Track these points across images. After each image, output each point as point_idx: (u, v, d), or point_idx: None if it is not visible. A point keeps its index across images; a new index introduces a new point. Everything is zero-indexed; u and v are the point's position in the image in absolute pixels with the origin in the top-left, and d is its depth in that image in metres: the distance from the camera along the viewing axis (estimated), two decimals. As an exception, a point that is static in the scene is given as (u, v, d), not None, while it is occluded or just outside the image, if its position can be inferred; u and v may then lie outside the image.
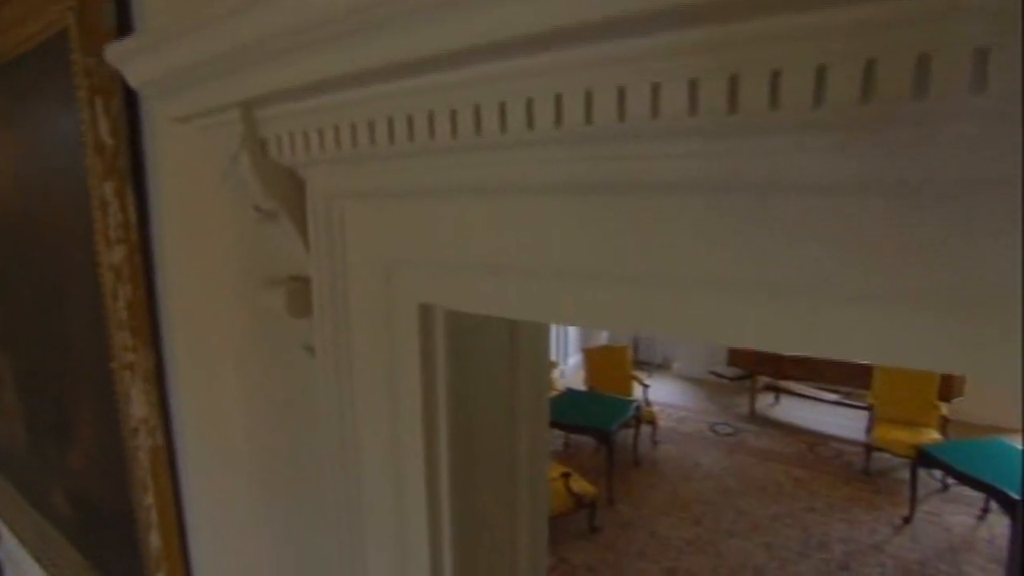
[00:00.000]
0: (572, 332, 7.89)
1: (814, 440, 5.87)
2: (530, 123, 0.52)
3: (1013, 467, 3.94)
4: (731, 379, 6.79)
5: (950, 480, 4.89)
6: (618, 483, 4.95)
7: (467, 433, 1.04)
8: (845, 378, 5.83)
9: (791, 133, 0.41)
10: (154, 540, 1.35)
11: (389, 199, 0.79)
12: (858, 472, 5.19)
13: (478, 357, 1.02)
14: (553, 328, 7.58)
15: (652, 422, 5.62)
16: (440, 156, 0.66)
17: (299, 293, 0.91)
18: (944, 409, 5.06)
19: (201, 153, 1.09)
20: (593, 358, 6.18)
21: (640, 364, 7.09)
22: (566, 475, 4.09)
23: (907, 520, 4.41)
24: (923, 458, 4.31)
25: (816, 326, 0.45)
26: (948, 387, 5.23)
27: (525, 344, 1.14)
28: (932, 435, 4.83)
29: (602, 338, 8.16)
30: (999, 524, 4.36)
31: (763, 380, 6.62)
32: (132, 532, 1.40)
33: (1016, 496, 3.61)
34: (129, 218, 1.26)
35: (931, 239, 0.39)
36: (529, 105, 0.52)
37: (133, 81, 0.82)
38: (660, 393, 6.99)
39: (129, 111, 1.21)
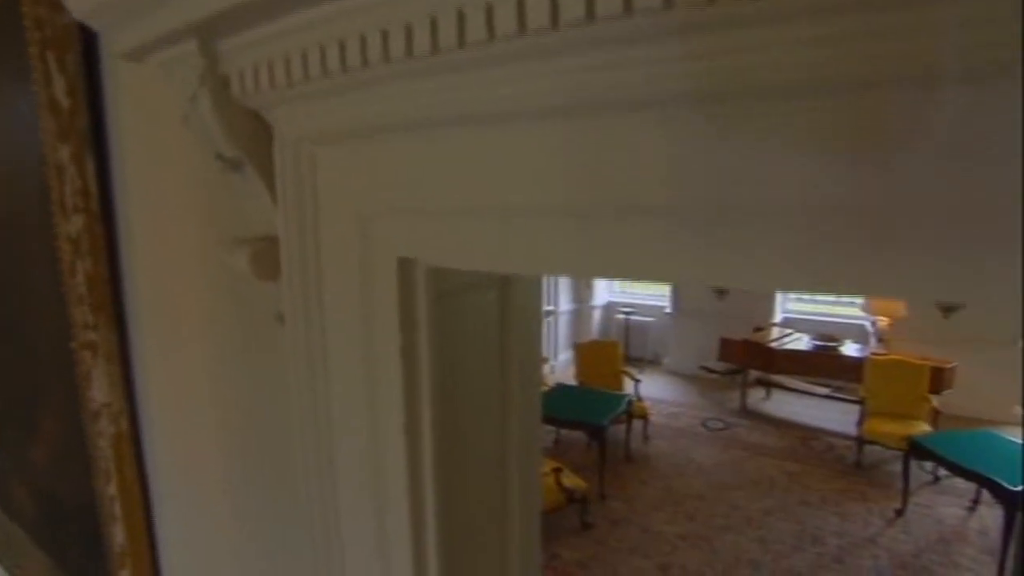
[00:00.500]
0: (563, 328, 7.83)
1: (806, 434, 5.85)
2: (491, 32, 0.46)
3: (1004, 457, 3.93)
4: (722, 374, 6.76)
5: (941, 472, 4.90)
6: (610, 478, 4.88)
7: (452, 410, 0.96)
8: (836, 372, 5.82)
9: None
10: (118, 535, 1.26)
11: (362, 142, 0.72)
12: (850, 465, 5.18)
13: (465, 324, 0.94)
14: (544, 323, 7.54)
15: (644, 417, 5.56)
16: (419, 79, 0.58)
17: (266, 253, 0.83)
18: (935, 402, 5.06)
19: (166, 109, 1.00)
20: (584, 353, 6.12)
21: (631, 360, 7.05)
22: (557, 470, 4.02)
23: (899, 512, 4.40)
24: (915, 449, 4.30)
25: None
26: (938, 380, 5.23)
27: (516, 315, 1.06)
28: (923, 427, 4.82)
29: (593, 333, 8.12)
30: (990, 515, 4.36)
31: (754, 375, 6.60)
32: (95, 527, 1.30)
33: (1009, 486, 3.60)
34: (88, 185, 1.17)
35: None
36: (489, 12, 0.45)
37: (76, 10, 0.74)
38: (651, 389, 6.94)
39: (88, 68, 1.12)
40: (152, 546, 1.31)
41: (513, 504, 1.26)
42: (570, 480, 4.12)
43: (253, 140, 0.80)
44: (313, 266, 0.80)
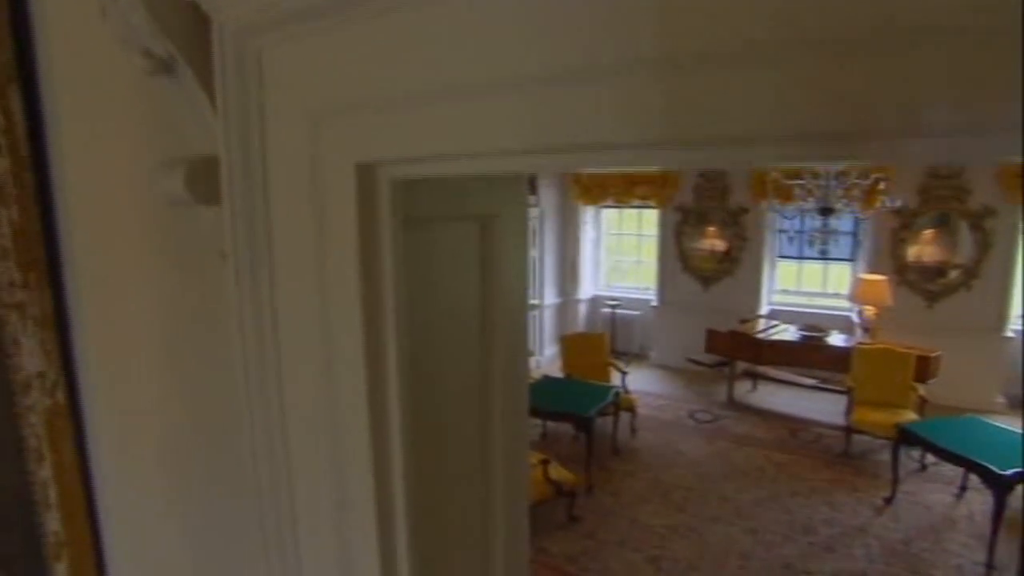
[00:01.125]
0: (548, 322, 7.73)
1: (794, 425, 5.82)
2: None
3: (992, 443, 3.92)
4: (709, 366, 6.71)
5: (928, 460, 4.90)
6: (597, 471, 4.79)
7: (425, 368, 0.84)
8: (823, 362, 5.80)
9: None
10: (52, 522, 1.12)
11: (314, 29, 0.60)
12: (838, 455, 5.15)
13: (440, 262, 0.83)
14: (529, 316, 7.34)
15: (631, 409, 5.48)
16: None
17: (204, 171, 0.71)
18: (921, 390, 5.06)
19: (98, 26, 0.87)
20: (570, 345, 6.03)
21: (617, 354, 6.96)
22: (544, 462, 3.92)
23: (888, 501, 4.37)
24: (904, 436, 4.28)
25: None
26: (924, 368, 5.23)
27: (499, 258, 0.95)
28: (910, 416, 4.81)
29: (579, 326, 8.04)
30: (977, 501, 4.36)
31: (741, 367, 6.57)
32: (27, 515, 1.16)
33: (998, 471, 3.58)
34: (14, 125, 1.03)
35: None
36: None
37: None
38: (638, 382, 6.86)
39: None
40: (95, 535, 1.17)
41: (497, 477, 1.14)
42: (557, 473, 4.02)
43: (187, 34, 0.67)
44: (258, 183, 0.68)
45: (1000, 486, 3.57)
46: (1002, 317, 6.01)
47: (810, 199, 3.95)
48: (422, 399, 0.82)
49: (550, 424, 5.77)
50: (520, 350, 1.14)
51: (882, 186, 3.87)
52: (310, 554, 0.75)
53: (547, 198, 7.70)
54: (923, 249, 6.19)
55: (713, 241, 7.25)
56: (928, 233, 6.18)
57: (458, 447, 0.94)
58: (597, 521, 4.16)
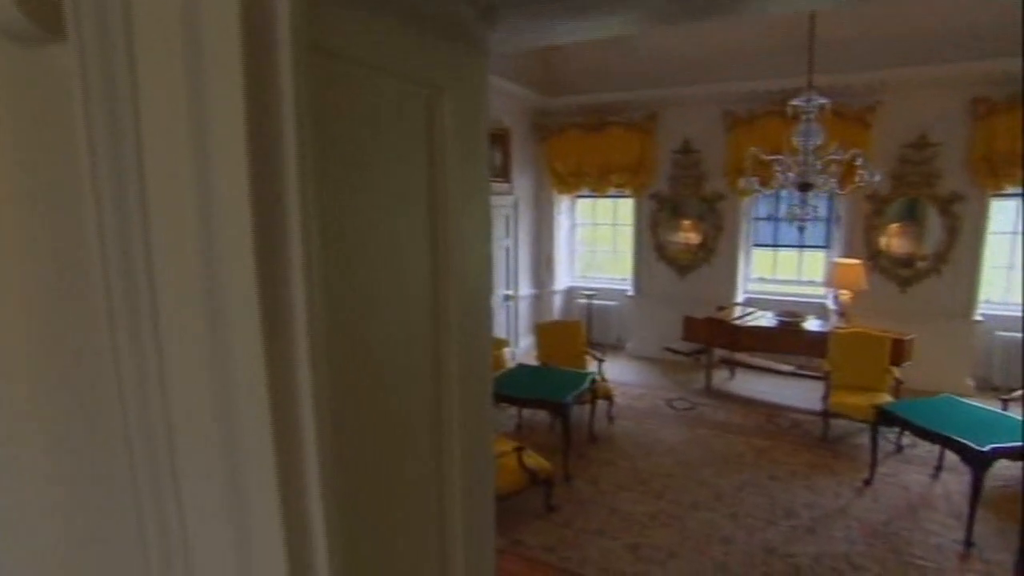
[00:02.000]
0: (523, 313, 7.59)
1: (772, 412, 5.78)
2: None
3: (968, 421, 3.91)
4: (686, 354, 6.64)
5: (904, 442, 4.89)
6: (575, 460, 4.66)
7: (344, 260, 0.68)
8: (800, 347, 5.77)
9: None
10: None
11: None
12: (817, 440, 5.11)
13: (369, 134, 0.66)
14: (503, 306, 7.27)
15: (608, 397, 5.37)
16: None
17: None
18: (897, 373, 5.05)
19: None
20: (545, 333, 5.89)
21: (593, 345, 6.84)
22: (519, 449, 3.76)
23: (868, 482, 4.33)
24: (882, 417, 4.24)
25: None
26: (899, 352, 5.23)
27: (457, 131, 0.79)
28: (886, 399, 4.79)
29: (554, 318, 7.90)
30: (952, 481, 4.35)
31: (718, 355, 6.51)
32: None
33: (977, 447, 3.55)
34: None
35: None
36: None
37: None
38: (615, 372, 6.76)
39: None
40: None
41: (453, 447, 0.98)
42: (533, 460, 3.87)
43: None
44: (116, 11, 0.50)
45: (978, 462, 3.54)
46: (970, 302, 6.07)
47: (789, 174, 3.88)
48: (345, 328, 0.65)
49: (526, 414, 5.63)
50: (482, 288, 0.98)
51: (859, 162, 3.81)
52: (194, 507, 0.57)
53: (521, 186, 7.55)
54: (891, 241, 6.24)
55: (688, 234, 7.20)
56: (895, 227, 6.22)
57: (385, 355, 0.77)
58: (575, 510, 4.03)
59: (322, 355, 0.55)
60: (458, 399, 0.95)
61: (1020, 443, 3.64)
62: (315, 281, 0.53)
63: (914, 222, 6.18)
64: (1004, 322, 6.07)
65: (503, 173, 7.15)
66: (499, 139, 7.02)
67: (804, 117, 3.80)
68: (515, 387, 4.67)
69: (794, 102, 3.85)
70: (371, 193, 0.67)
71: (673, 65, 6.88)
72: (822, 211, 6.85)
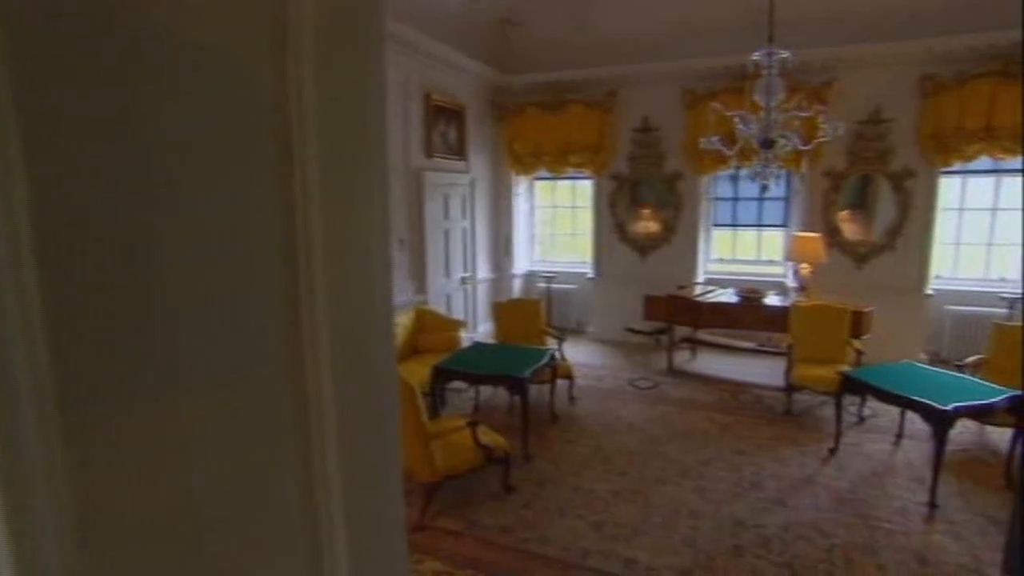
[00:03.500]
0: (481, 297, 7.31)
1: (735, 388, 5.68)
2: None
3: (928, 383, 3.86)
4: (648, 334, 6.50)
5: (865, 412, 4.86)
6: (535, 440, 4.42)
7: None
8: (761, 323, 5.69)
9: None
10: None
11: None
12: (780, 414, 5.02)
13: None
14: (460, 289, 6.96)
15: (569, 376, 5.15)
16: None
17: None
18: (857, 345, 5.01)
19: None
20: (502, 312, 5.64)
21: (554, 330, 6.63)
22: (473, 424, 3.49)
23: (832, 452, 4.25)
24: (846, 383, 4.16)
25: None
26: (859, 324, 5.20)
27: None
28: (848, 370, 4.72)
29: (515, 292, 7.67)
30: (913, 448, 4.34)
31: (679, 335, 6.40)
32: None
33: (939, 406, 3.48)
34: None
35: None
36: None
37: None
38: (576, 355, 6.57)
39: None
40: None
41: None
42: (488, 437, 3.60)
43: None
44: None
45: (941, 421, 3.48)
46: (922, 276, 6.13)
47: (751, 125, 3.76)
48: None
49: (484, 395, 5.36)
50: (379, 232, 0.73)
51: (821, 119, 3.72)
52: None
53: (478, 166, 7.28)
54: (843, 226, 6.29)
55: (648, 214, 7.09)
56: (844, 213, 6.26)
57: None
58: (535, 490, 3.78)
59: None
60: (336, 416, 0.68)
61: (979, 402, 3.60)
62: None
63: (863, 210, 6.23)
64: (953, 297, 6.16)
65: (459, 151, 6.86)
66: (455, 116, 6.74)
67: (765, 72, 3.68)
68: (469, 364, 4.40)
69: (754, 56, 3.71)
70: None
71: (632, 42, 6.76)
72: (779, 192, 6.86)
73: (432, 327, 5.69)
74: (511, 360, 4.42)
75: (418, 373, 4.70)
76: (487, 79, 7.26)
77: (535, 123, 7.30)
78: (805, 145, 4.00)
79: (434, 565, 3.04)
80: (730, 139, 4.27)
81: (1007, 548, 2.64)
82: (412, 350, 5.51)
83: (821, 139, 3.85)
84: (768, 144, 3.85)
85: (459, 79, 6.79)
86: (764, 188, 4.13)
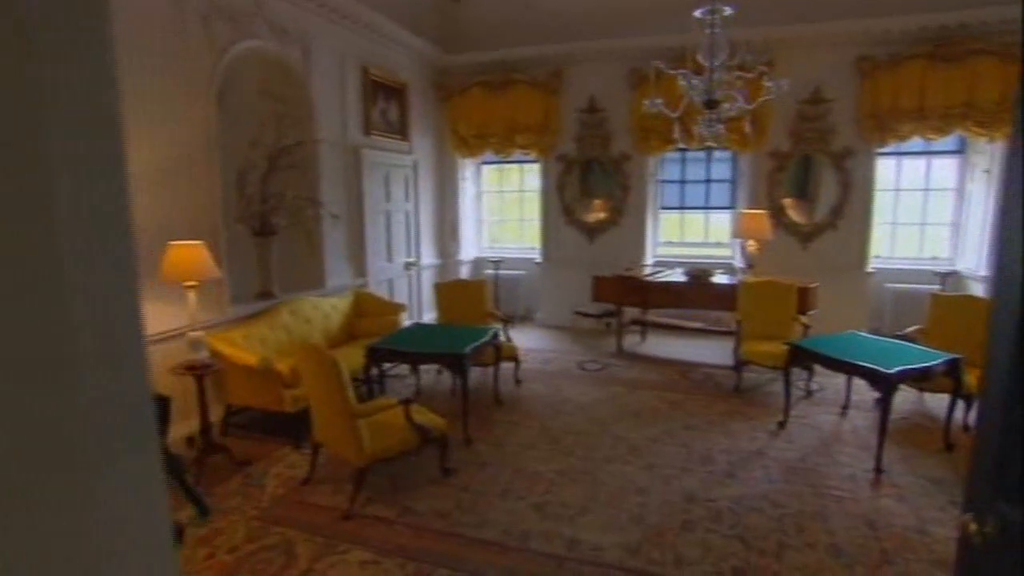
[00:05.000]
0: (427, 284, 7.00)
1: (684, 368, 5.58)
2: None
3: (872, 350, 3.83)
4: (597, 316, 6.36)
5: (813, 387, 4.83)
6: (478, 424, 4.17)
7: None
8: (710, 301, 5.62)
9: None
10: None
11: None
12: (730, 391, 4.94)
13: None
14: (404, 274, 6.59)
15: (514, 358, 4.92)
16: None
17: None
18: (804, 320, 4.99)
19: None
20: (445, 294, 5.36)
21: (507, 323, 6.40)
22: (406, 402, 3.20)
23: (782, 425, 4.18)
24: (794, 353, 4.08)
25: None
26: (805, 299, 5.19)
27: None
28: (794, 344, 4.69)
29: (462, 271, 7.41)
30: (859, 417, 4.33)
31: (629, 317, 6.27)
32: None
33: (884, 370, 3.43)
34: None
35: None
36: None
37: None
38: (524, 340, 6.36)
39: None
40: None
41: None
42: (423, 417, 3.32)
43: None
44: None
45: (886, 384, 3.44)
46: (863, 255, 6.22)
47: (693, 82, 3.63)
48: None
49: (425, 380, 5.06)
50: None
51: (766, 80, 3.64)
52: None
53: (421, 148, 6.98)
54: (789, 211, 6.34)
55: (596, 198, 6.95)
56: (789, 201, 6.31)
57: None
58: (475, 473, 3.52)
59: None
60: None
61: (920, 365, 3.58)
62: None
63: (806, 199, 6.29)
64: (892, 275, 6.28)
65: (400, 131, 6.55)
66: (395, 93, 6.43)
67: (708, 31, 3.56)
68: (406, 343, 4.10)
69: (696, 14, 3.59)
70: None
71: (579, 20, 6.62)
72: (725, 173, 6.85)
73: (371, 311, 5.37)
74: (451, 338, 4.15)
75: (353, 357, 4.38)
76: (430, 58, 6.98)
77: (480, 104, 7.06)
78: (749, 104, 3.90)
79: (360, 555, 2.74)
80: (675, 106, 4.14)
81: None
82: (349, 335, 5.17)
83: (767, 97, 3.77)
84: (712, 105, 3.74)
85: (400, 55, 6.48)
86: (710, 152, 4.01)
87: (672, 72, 3.78)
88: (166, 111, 3.78)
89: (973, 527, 1.15)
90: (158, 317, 3.73)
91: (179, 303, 3.71)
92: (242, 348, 4.00)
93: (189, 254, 3.44)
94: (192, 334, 3.55)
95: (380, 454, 3.09)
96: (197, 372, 3.52)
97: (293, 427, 3.92)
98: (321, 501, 3.23)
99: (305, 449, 3.66)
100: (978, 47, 5.50)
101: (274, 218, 4.79)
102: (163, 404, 1.50)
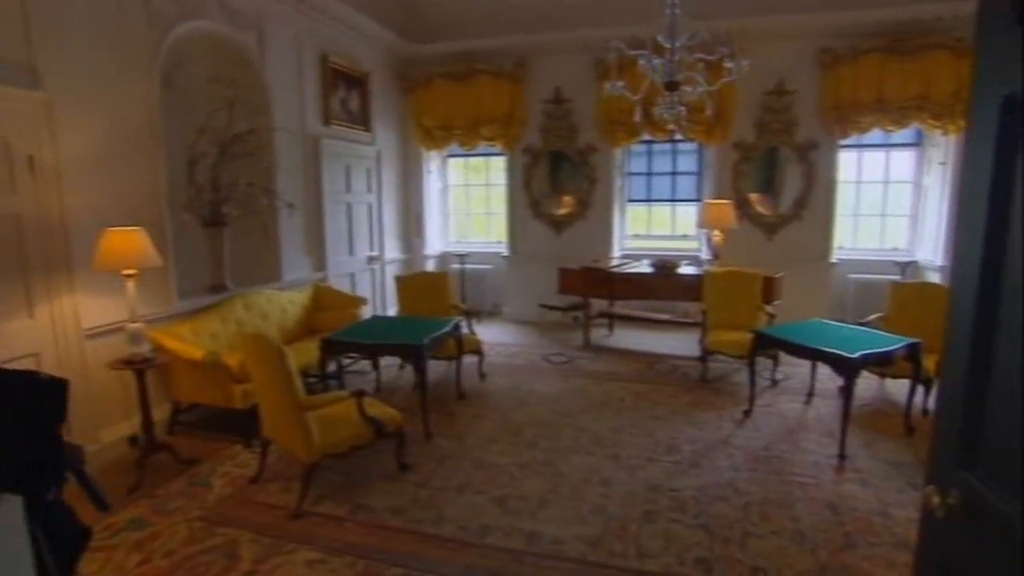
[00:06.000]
0: (390, 279, 6.82)
1: (651, 360, 5.54)
2: None
3: (836, 337, 3.83)
4: (563, 309, 6.28)
5: (778, 376, 4.83)
6: (438, 418, 4.04)
7: None
8: (676, 293, 5.58)
9: None
10: None
11: None
12: (696, 381, 4.91)
13: None
14: (366, 269, 6.40)
15: (478, 351, 4.80)
16: None
17: None
18: (769, 309, 4.99)
19: None
20: (407, 286, 5.21)
21: (470, 316, 6.27)
22: (358, 394, 3.05)
23: (747, 414, 4.15)
24: (759, 341, 4.06)
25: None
26: (770, 289, 5.19)
27: None
28: (759, 334, 4.68)
29: (428, 265, 7.25)
30: (824, 405, 4.34)
31: (596, 309, 6.21)
32: None
33: (848, 355, 3.42)
34: None
35: None
36: None
37: None
38: (491, 335, 6.26)
39: None
40: None
41: None
42: (377, 409, 3.18)
43: None
44: None
45: (849, 369, 3.43)
46: (827, 246, 6.28)
47: (654, 62, 3.57)
48: None
49: (386, 375, 4.91)
50: None
51: (727, 62, 3.59)
52: None
53: (385, 139, 6.81)
54: (755, 205, 6.37)
55: (562, 189, 6.88)
56: (755, 196, 6.34)
57: None
58: (433, 468, 3.39)
59: None
60: None
61: (882, 349, 3.59)
62: None
63: (771, 193, 6.33)
64: (854, 265, 6.36)
65: (362, 121, 6.36)
66: (357, 83, 6.24)
67: (669, 12, 3.50)
68: (364, 335, 3.95)
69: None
70: None
71: (543, 10, 6.53)
72: (690, 165, 6.86)
73: (331, 305, 5.18)
74: (409, 330, 4.01)
75: (310, 352, 4.21)
76: (393, 47, 6.81)
77: (444, 95, 6.92)
78: (711, 85, 3.86)
79: (308, 555, 2.58)
80: (637, 89, 4.08)
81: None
82: (308, 330, 4.98)
83: (728, 79, 3.73)
84: (673, 87, 3.68)
85: (362, 44, 6.30)
86: (672, 135, 3.96)
87: (633, 52, 3.71)
88: (101, 90, 3.55)
89: (936, 500, 1.12)
90: (94, 310, 3.50)
91: (119, 295, 3.48)
92: (189, 342, 3.79)
93: (126, 240, 3.23)
94: (131, 326, 3.33)
95: (331, 449, 2.93)
96: (137, 367, 3.30)
97: (244, 424, 3.73)
98: (270, 500, 3.06)
99: (256, 447, 3.47)
100: (932, 42, 5.60)
101: (226, 208, 4.58)
102: (60, 388, 1.34)
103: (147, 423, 3.42)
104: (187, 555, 2.59)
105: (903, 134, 6.14)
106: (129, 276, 3.28)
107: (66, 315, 3.34)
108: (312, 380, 4.39)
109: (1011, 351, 0.97)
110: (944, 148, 5.97)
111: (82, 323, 3.43)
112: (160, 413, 3.90)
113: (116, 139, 3.68)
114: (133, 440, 3.69)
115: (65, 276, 3.33)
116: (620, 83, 3.81)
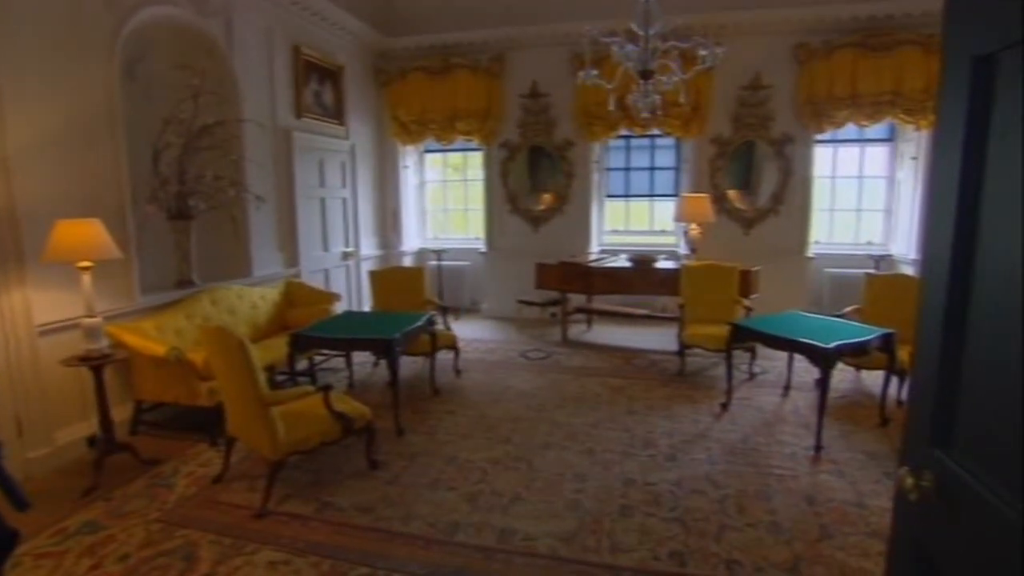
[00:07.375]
0: (366, 275, 6.70)
1: (629, 355, 5.50)
2: None
3: (811, 328, 3.83)
4: (541, 305, 6.22)
5: (756, 369, 4.83)
6: (412, 414, 3.95)
7: None
8: (654, 287, 5.55)
9: None
10: None
11: None
12: (674, 375, 4.88)
13: None
14: (341, 265, 6.27)
15: (453, 347, 4.71)
16: None
17: None
18: (746, 303, 4.98)
19: None
20: (380, 281, 5.11)
21: (446, 309, 6.18)
22: (325, 388, 2.95)
23: (724, 407, 4.12)
24: (736, 333, 4.04)
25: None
26: (747, 283, 5.19)
27: None
28: (736, 327, 4.66)
29: (405, 262, 7.14)
30: (800, 398, 4.34)
31: (573, 305, 6.16)
32: None
33: (823, 345, 3.41)
34: None
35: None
36: None
37: None
38: (468, 332, 6.18)
39: None
40: None
41: None
42: (345, 405, 3.08)
43: None
44: None
45: (825, 359, 3.41)
46: (803, 241, 6.31)
47: (628, 49, 3.52)
48: None
49: (359, 373, 4.80)
50: None
51: (702, 51, 3.56)
52: None
53: (360, 134, 6.68)
54: (732, 204, 6.39)
55: (540, 185, 6.82)
56: (733, 193, 6.35)
57: None
58: (404, 464, 3.29)
59: None
60: None
61: (857, 339, 3.59)
62: None
63: (748, 190, 6.36)
64: (830, 259, 6.40)
65: (336, 115, 6.24)
66: (330, 75, 6.12)
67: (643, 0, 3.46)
68: (334, 330, 3.84)
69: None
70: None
71: (520, 3, 6.47)
72: (668, 160, 6.85)
73: (303, 301, 5.05)
74: (381, 324, 3.91)
75: (280, 349, 4.08)
76: (368, 40, 6.69)
77: (420, 89, 6.82)
78: (684, 74, 3.83)
79: (270, 555, 2.47)
80: (611, 79, 4.03)
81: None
82: (280, 327, 4.85)
83: (701, 67, 3.70)
84: (647, 75, 3.64)
85: (335, 36, 6.17)
86: (647, 122, 3.92)
87: (606, 40, 3.66)
88: (53, 76, 3.39)
89: (909, 481, 1.08)
90: (48, 305, 3.34)
91: (75, 290, 3.33)
92: (152, 339, 3.64)
93: (80, 232, 3.08)
94: (87, 321, 3.18)
95: (297, 446, 2.83)
96: (93, 363, 3.16)
97: (210, 422, 3.59)
98: (233, 500, 2.94)
99: (222, 446, 3.35)
100: (903, 38, 5.65)
101: (192, 200, 4.43)
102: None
103: (105, 422, 3.27)
104: (142, 559, 2.47)
105: (876, 130, 6.19)
106: (84, 269, 3.14)
107: (16, 310, 3.18)
108: (282, 378, 4.27)
109: (984, 324, 0.93)
110: (916, 143, 6.04)
111: (34, 319, 3.27)
112: (123, 413, 3.75)
113: (73, 127, 3.52)
114: (92, 441, 3.54)
115: (15, 269, 3.18)
116: (594, 71, 3.75)
